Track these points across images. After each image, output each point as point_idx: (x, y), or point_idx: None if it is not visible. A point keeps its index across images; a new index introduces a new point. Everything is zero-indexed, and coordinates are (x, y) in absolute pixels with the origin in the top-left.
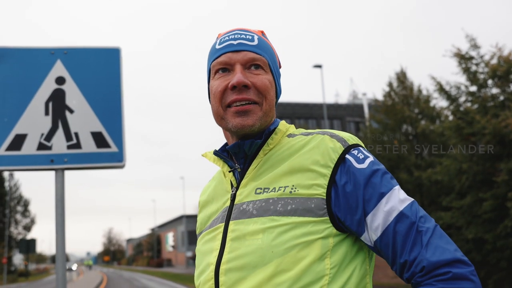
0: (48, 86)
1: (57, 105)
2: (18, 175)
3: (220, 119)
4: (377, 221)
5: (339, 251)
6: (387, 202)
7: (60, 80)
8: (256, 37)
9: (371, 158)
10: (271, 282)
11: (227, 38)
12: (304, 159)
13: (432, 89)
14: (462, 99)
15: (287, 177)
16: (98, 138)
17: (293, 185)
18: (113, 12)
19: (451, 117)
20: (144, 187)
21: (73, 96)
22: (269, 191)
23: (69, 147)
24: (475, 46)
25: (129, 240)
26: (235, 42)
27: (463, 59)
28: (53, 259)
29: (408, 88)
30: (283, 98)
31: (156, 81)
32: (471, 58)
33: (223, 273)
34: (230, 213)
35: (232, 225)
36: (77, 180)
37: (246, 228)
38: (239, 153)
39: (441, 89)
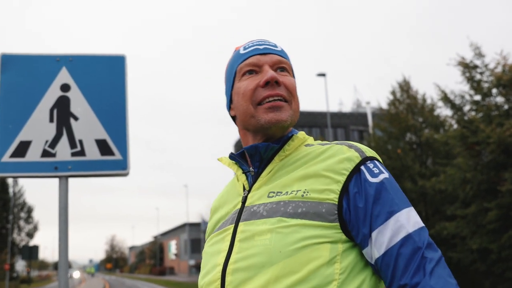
0: (53, 93)
1: (62, 112)
2: (22, 181)
3: (249, 117)
4: (382, 238)
5: (349, 258)
6: (396, 221)
7: (65, 87)
8: (278, 45)
9: (386, 174)
10: (278, 283)
11: (251, 44)
12: (319, 166)
13: (437, 98)
14: (467, 108)
15: (300, 182)
16: (102, 146)
17: (305, 189)
18: (120, 18)
19: (455, 126)
20: (148, 195)
21: (78, 103)
22: (281, 194)
23: (73, 154)
24: (479, 55)
25: (131, 248)
26: (261, 47)
27: (467, 68)
28: (55, 266)
29: (412, 97)
30: None
31: (162, 88)
32: (476, 67)
33: (230, 273)
34: (240, 215)
35: (241, 226)
36: (80, 187)
37: (255, 229)
38: (255, 156)
39: (445, 98)
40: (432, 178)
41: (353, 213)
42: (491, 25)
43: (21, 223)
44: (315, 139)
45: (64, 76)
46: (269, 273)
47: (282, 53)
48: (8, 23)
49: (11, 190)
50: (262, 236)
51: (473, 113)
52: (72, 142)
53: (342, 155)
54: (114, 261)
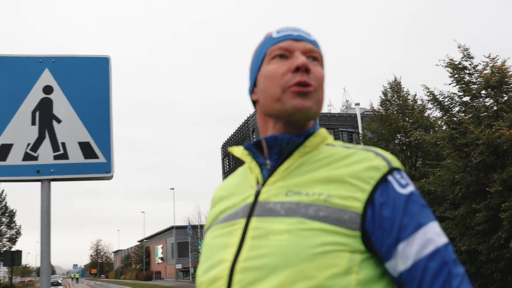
0: (35, 95)
1: (44, 114)
2: (3, 185)
3: (275, 101)
4: (410, 251)
5: (365, 269)
6: (424, 234)
7: (47, 89)
8: (312, 35)
9: (412, 186)
10: (291, 287)
11: (285, 29)
12: (344, 171)
13: (426, 99)
14: (456, 109)
15: (322, 185)
16: (86, 149)
17: (328, 194)
18: (104, 17)
19: (444, 127)
20: (134, 198)
21: (61, 105)
22: (301, 194)
23: (56, 157)
24: (468, 56)
25: (117, 252)
26: (295, 33)
27: (456, 69)
28: (38, 271)
29: (403, 98)
30: None
31: (146, 89)
32: (464, 68)
33: (240, 271)
34: (252, 209)
35: (254, 222)
36: (65, 190)
37: (270, 227)
38: (274, 148)
39: (434, 99)
40: (422, 180)
41: (377, 224)
42: (483, 27)
43: (3, 228)
44: None
45: (46, 78)
46: (282, 276)
47: (315, 43)
48: None
49: None
50: (279, 236)
51: (462, 114)
52: (54, 145)
53: (369, 163)
54: (99, 266)
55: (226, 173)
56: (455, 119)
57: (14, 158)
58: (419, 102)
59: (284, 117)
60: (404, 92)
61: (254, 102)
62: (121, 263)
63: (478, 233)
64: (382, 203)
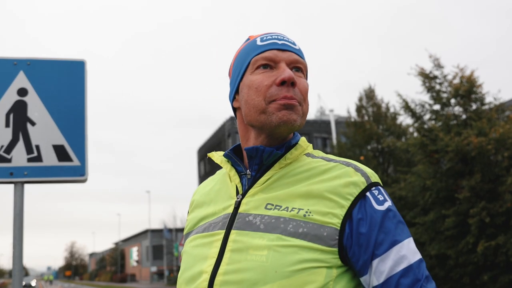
0: (9, 98)
1: (19, 117)
2: None
3: (260, 113)
4: (383, 267)
5: (341, 283)
6: (399, 251)
7: (22, 92)
8: (296, 43)
9: (389, 202)
10: None
11: (269, 37)
12: (323, 186)
13: (399, 106)
14: (427, 117)
15: (302, 200)
16: (60, 152)
17: (308, 209)
18: (73, 15)
19: (416, 134)
20: (109, 200)
21: (35, 108)
22: (281, 209)
23: (29, 160)
24: (438, 66)
25: (92, 255)
26: (279, 42)
27: (427, 78)
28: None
29: (376, 105)
30: None
31: (117, 88)
32: (435, 77)
33: (219, 284)
34: (232, 221)
35: (233, 234)
36: (39, 192)
37: (250, 241)
38: (255, 159)
39: (406, 107)
40: (393, 185)
41: (355, 240)
42: (457, 36)
43: None
44: None
45: (21, 80)
46: None
47: (300, 53)
48: None
49: None
50: (258, 251)
51: (432, 122)
52: (28, 148)
53: (348, 179)
54: (74, 268)
55: (201, 177)
56: (425, 126)
57: None
58: (392, 110)
59: (268, 129)
60: (378, 100)
61: (235, 109)
62: (95, 266)
63: (447, 238)
64: (359, 219)
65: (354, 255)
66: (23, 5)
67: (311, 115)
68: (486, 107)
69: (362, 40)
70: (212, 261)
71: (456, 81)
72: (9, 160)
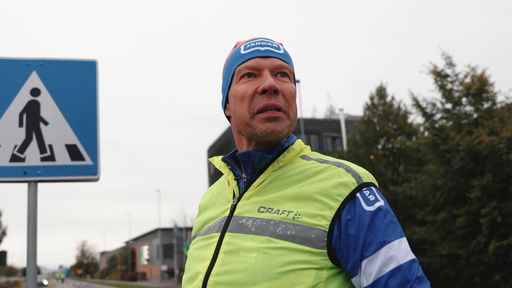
0: (22, 98)
1: (32, 116)
2: None
3: (244, 124)
4: (372, 268)
5: (332, 285)
6: (387, 251)
7: (35, 92)
8: (281, 47)
9: (381, 202)
10: None
11: (253, 44)
12: (313, 188)
13: (410, 105)
14: (438, 116)
15: (293, 202)
16: (73, 151)
17: (297, 212)
18: (84, 16)
19: (426, 133)
20: (119, 199)
21: (48, 108)
22: (272, 211)
23: (42, 159)
24: (450, 64)
25: (103, 253)
26: (262, 49)
27: (439, 76)
28: (24, 272)
29: (387, 104)
30: None
31: (131, 88)
32: (447, 76)
33: (211, 284)
34: (227, 224)
35: (227, 237)
36: (51, 191)
37: (241, 244)
38: (248, 163)
39: (417, 105)
40: (404, 184)
41: (343, 241)
42: (469, 32)
43: None
44: None
45: (34, 81)
46: None
47: (284, 57)
48: None
49: None
50: (249, 253)
51: (443, 121)
52: (41, 147)
53: (338, 179)
54: (85, 267)
55: (211, 176)
56: (436, 125)
57: (1, 159)
58: (403, 108)
59: (255, 139)
60: (389, 98)
61: (228, 117)
62: (106, 264)
63: (458, 238)
64: (348, 220)
65: (343, 256)
66: (31, 11)
67: (321, 114)
68: (497, 106)
69: (372, 37)
70: (207, 263)
71: (468, 80)
72: (22, 160)
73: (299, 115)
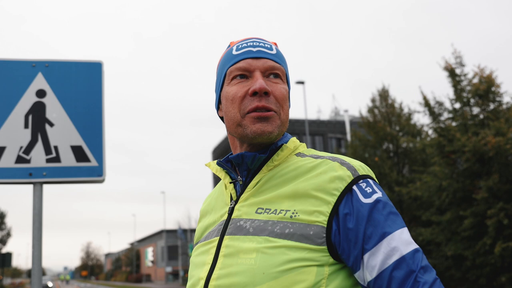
0: (28, 99)
1: (37, 118)
2: None
3: (236, 125)
4: (375, 261)
5: (335, 281)
6: (389, 243)
7: (40, 93)
8: (273, 47)
9: (379, 193)
10: None
11: (245, 45)
12: (309, 184)
13: (415, 105)
14: (444, 116)
15: (290, 200)
16: (78, 152)
17: (294, 210)
18: (88, 17)
19: (430, 132)
20: (124, 201)
21: (54, 109)
22: (270, 212)
23: (48, 160)
24: (460, 64)
25: (107, 255)
26: (254, 49)
27: (452, 74)
28: (29, 273)
29: (390, 106)
30: None
31: (135, 89)
32: (457, 75)
33: None
34: (226, 227)
35: (226, 240)
36: (56, 192)
37: (240, 245)
38: (242, 165)
39: (426, 104)
40: (409, 185)
41: (343, 236)
42: (473, 31)
43: None
44: None
45: (40, 82)
46: None
47: (276, 57)
48: None
49: None
50: (248, 254)
51: (449, 121)
52: (47, 148)
53: (333, 173)
54: (90, 269)
55: (215, 178)
56: (442, 126)
57: (7, 160)
58: (406, 110)
59: (247, 140)
60: (392, 100)
61: (222, 118)
62: (111, 266)
63: (464, 239)
64: (346, 214)
65: (344, 251)
66: (37, 12)
67: (326, 115)
68: (504, 106)
69: (375, 36)
70: (208, 267)
71: (475, 80)
72: (28, 161)
73: (303, 117)
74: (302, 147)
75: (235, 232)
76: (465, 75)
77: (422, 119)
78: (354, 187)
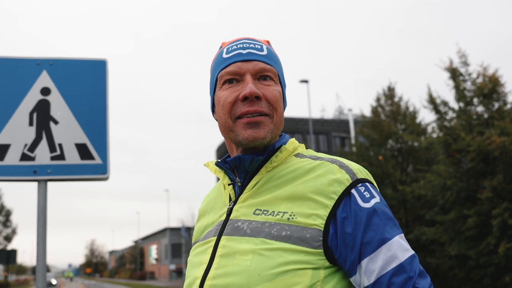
0: (33, 97)
1: (42, 116)
2: (0, 185)
3: (228, 131)
4: (374, 266)
5: (330, 284)
6: (388, 249)
7: (45, 91)
8: (264, 47)
9: (377, 198)
10: None
11: (235, 47)
12: (307, 187)
13: (421, 103)
14: (449, 115)
15: (288, 202)
16: (82, 150)
17: (292, 212)
18: (91, 15)
19: (436, 130)
20: (128, 199)
21: (58, 107)
22: (267, 213)
23: (52, 158)
24: (465, 63)
25: (111, 252)
26: (244, 52)
27: (455, 73)
28: (33, 270)
29: (395, 104)
30: None
31: (139, 87)
32: (461, 74)
33: None
34: (223, 227)
35: (223, 240)
36: (60, 189)
37: (237, 246)
38: (240, 167)
39: (431, 101)
40: (413, 183)
41: (340, 240)
42: (478, 28)
43: None
44: None
45: (44, 80)
46: None
47: (267, 58)
48: None
49: None
50: (244, 256)
51: (454, 120)
52: (51, 146)
53: (332, 176)
54: (94, 266)
55: None
56: (447, 124)
57: (12, 158)
58: (411, 108)
59: (239, 145)
60: (397, 99)
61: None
62: (115, 263)
63: (468, 239)
64: (344, 218)
65: (341, 255)
66: (38, 12)
67: (330, 114)
68: (508, 106)
69: (379, 34)
70: (204, 267)
71: (480, 80)
72: (32, 159)
73: (307, 115)
74: (301, 148)
75: (232, 232)
76: (469, 74)
77: (427, 117)
78: (353, 191)
